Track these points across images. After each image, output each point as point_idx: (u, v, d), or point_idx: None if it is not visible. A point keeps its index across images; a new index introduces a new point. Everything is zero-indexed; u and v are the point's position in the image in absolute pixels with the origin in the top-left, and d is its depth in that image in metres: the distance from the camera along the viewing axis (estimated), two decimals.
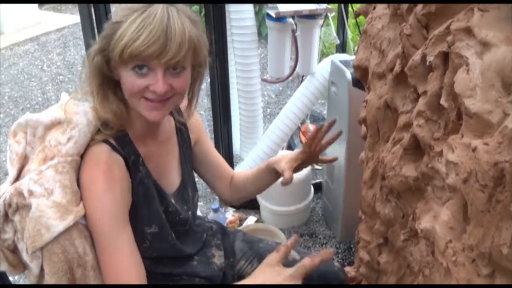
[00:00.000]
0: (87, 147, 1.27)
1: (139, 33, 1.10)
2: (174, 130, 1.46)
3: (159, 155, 1.39)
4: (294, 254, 1.69)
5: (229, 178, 1.68)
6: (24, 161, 1.27)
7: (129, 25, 1.11)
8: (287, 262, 1.65)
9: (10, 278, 1.55)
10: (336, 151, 2.54)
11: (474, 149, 0.82)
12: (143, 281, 1.22)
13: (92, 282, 1.25)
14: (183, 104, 1.41)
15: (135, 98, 1.20)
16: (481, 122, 0.84)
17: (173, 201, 1.42)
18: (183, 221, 1.47)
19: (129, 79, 1.17)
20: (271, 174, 1.58)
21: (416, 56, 1.09)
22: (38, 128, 1.27)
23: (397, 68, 1.22)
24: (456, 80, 0.90)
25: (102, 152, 1.25)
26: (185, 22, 1.15)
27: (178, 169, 1.48)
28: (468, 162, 0.84)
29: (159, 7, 1.13)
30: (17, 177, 1.24)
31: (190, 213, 1.50)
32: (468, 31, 0.91)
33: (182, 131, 1.48)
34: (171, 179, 1.45)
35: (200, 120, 1.61)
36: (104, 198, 1.21)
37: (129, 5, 1.16)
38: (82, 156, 1.27)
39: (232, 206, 3.02)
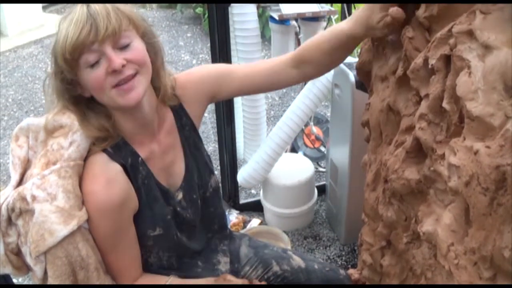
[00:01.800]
0: (86, 156, 1.27)
1: (68, 30, 1.12)
2: (174, 122, 1.41)
3: (162, 155, 1.37)
4: (299, 261, 1.68)
5: (285, 64, 1.45)
6: (26, 165, 1.27)
7: (60, 33, 1.14)
8: (292, 270, 1.65)
9: (14, 280, 1.55)
10: (340, 153, 2.54)
11: (476, 152, 0.82)
12: (139, 274, 1.37)
13: (95, 283, 1.26)
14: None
15: (105, 91, 1.18)
16: (483, 125, 0.84)
17: (180, 196, 1.41)
18: (191, 220, 1.46)
19: (89, 77, 1.17)
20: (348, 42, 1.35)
21: (418, 59, 1.09)
22: (40, 132, 1.27)
23: (399, 71, 1.22)
24: (458, 83, 0.90)
25: (100, 164, 1.25)
26: (105, 4, 1.17)
27: (182, 157, 1.44)
28: (470, 165, 0.84)
29: (76, 7, 1.16)
30: (20, 182, 1.25)
31: (199, 201, 1.47)
32: (470, 34, 0.91)
33: (180, 115, 1.43)
34: (177, 173, 1.42)
35: (199, 70, 1.48)
36: (105, 211, 1.24)
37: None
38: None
39: (236, 209, 3.02)
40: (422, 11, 1.12)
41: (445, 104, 0.97)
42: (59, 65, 1.16)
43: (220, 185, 3.09)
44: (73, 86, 1.20)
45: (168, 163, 1.39)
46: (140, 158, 1.31)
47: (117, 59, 1.15)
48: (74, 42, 1.11)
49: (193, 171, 1.45)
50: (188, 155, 1.44)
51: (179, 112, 1.42)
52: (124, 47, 1.18)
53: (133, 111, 1.26)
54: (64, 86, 1.20)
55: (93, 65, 1.15)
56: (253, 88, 1.49)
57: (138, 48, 1.21)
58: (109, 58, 1.15)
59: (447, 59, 0.99)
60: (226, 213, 2.95)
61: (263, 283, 1.48)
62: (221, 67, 1.49)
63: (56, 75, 1.19)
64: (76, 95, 1.22)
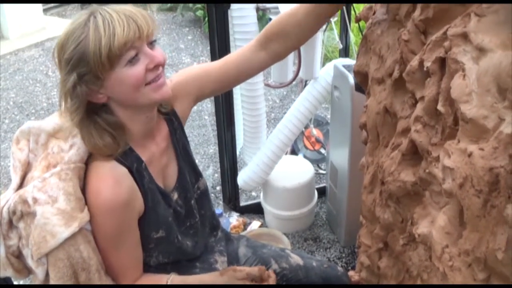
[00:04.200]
0: (92, 161, 1.28)
1: (111, 28, 1.14)
2: (167, 127, 1.45)
3: (159, 157, 1.40)
4: (298, 259, 1.69)
5: (252, 48, 1.48)
6: (27, 168, 1.28)
7: (95, 32, 1.14)
8: (291, 268, 1.66)
9: (14, 283, 1.56)
10: (340, 155, 2.55)
11: (470, 154, 0.83)
12: (140, 275, 1.38)
13: (97, 284, 1.27)
14: None
15: (140, 88, 1.21)
16: (477, 128, 0.84)
17: (176, 196, 1.44)
18: (189, 219, 1.48)
19: (129, 73, 1.19)
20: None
21: (414, 62, 1.10)
22: (40, 135, 1.28)
23: (395, 74, 1.22)
24: (453, 85, 0.90)
25: (107, 167, 1.26)
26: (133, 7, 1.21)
27: (175, 160, 1.47)
28: (464, 167, 0.84)
29: (96, 8, 1.18)
30: (21, 184, 1.26)
31: (193, 202, 1.49)
32: (465, 37, 0.92)
33: (172, 119, 1.46)
34: (171, 174, 1.45)
35: (183, 74, 1.49)
36: (111, 210, 1.24)
37: (70, 27, 1.19)
38: (86, 168, 1.29)
39: (236, 211, 3.02)
40: (417, 14, 1.12)
41: (440, 107, 0.98)
42: (93, 64, 1.15)
43: (221, 187, 3.11)
44: (96, 87, 1.20)
45: (163, 165, 1.41)
46: (143, 164, 1.33)
47: (159, 55, 1.22)
48: (126, 37, 1.14)
49: (185, 173, 1.48)
50: (179, 158, 1.47)
51: (171, 117, 1.46)
52: (151, 46, 1.24)
53: (148, 112, 1.31)
54: (88, 88, 1.19)
55: (132, 62, 1.19)
56: (230, 80, 1.51)
57: (160, 48, 1.27)
58: (150, 54, 1.21)
59: (442, 62, 1.00)
60: (227, 215, 2.95)
61: (272, 274, 1.44)
62: (200, 67, 1.52)
63: (81, 78, 1.18)
64: (89, 106, 1.23)
